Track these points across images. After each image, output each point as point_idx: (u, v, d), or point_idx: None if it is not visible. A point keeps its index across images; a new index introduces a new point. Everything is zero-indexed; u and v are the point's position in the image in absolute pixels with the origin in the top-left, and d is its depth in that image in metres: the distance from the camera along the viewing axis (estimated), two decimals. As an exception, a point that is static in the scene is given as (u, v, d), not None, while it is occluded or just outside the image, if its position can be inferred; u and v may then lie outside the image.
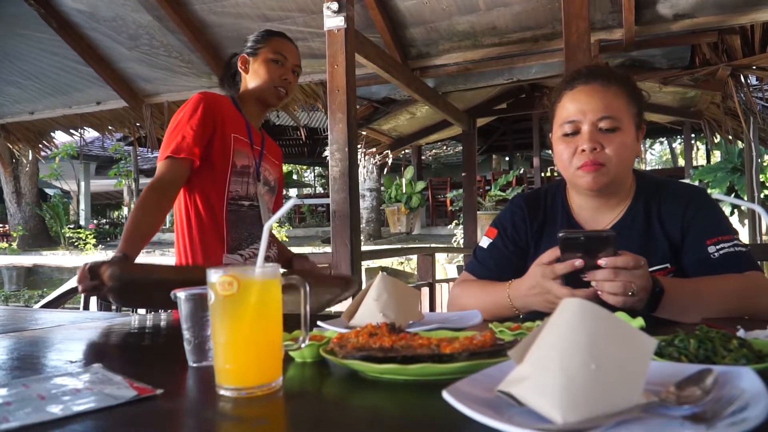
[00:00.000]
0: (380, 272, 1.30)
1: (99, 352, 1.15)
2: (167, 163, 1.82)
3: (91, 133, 6.11)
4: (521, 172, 14.39)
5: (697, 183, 9.75)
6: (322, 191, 20.88)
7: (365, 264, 5.05)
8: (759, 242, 6.27)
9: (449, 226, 13.03)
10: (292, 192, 22.96)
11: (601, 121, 1.36)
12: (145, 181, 21.90)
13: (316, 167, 24.90)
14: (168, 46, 4.34)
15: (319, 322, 1.24)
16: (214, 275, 0.80)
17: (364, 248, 3.56)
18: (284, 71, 2.01)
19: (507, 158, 19.88)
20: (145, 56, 4.50)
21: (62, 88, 5.05)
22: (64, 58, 4.61)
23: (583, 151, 1.36)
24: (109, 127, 5.59)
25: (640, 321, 1.05)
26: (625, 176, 1.43)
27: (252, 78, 2.03)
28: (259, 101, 2.05)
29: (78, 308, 3.14)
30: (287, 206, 0.86)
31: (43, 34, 4.35)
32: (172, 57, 4.46)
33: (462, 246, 8.05)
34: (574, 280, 1.17)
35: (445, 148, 18.71)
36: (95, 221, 20.04)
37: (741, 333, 0.95)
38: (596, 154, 1.36)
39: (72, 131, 5.84)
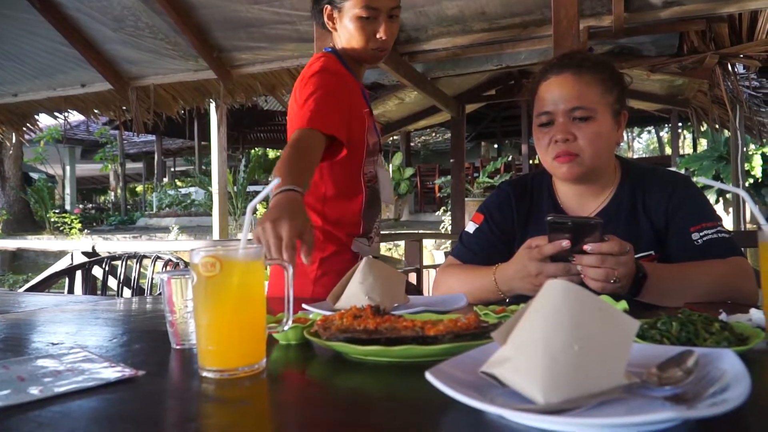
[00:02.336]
0: (366, 256, 1.29)
1: (81, 335, 1.14)
2: (298, 133, 1.51)
3: (76, 117, 6.03)
4: (509, 159, 14.43)
5: (683, 171, 9.82)
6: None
7: (353, 250, 5.05)
8: (743, 230, 6.33)
9: (437, 213, 13.05)
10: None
11: (574, 111, 1.37)
12: (132, 165, 21.77)
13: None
14: (153, 27, 4.28)
15: (304, 305, 1.24)
16: (196, 256, 0.79)
17: (351, 233, 3.55)
18: (377, 27, 1.69)
19: (495, 145, 19.91)
20: (130, 38, 4.43)
21: (46, 70, 4.96)
22: (47, 39, 4.53)
23: (557, 141, 1.38)
24: (95, 111, 5.51)
25: (623, 304, 1.06)
26: (603, 164, 1.44)
27: (342, 36, 1.73)
28: (358, 61, 1.79)
29: (63, 292, 3.12)
30: (269, 187, 0.85)
31: (26, 15, 4.27)
32: (158, 39, 4.40)
33: (450, 232, 8.07)
34: None
35: (433, 134, 18.69)
36: (81, 206, 19.88)
37: (723, 316, 0.96)
38: (569, 145, 1.37)
39: (56, 114, 5.75)
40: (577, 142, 1.37)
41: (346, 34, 1.72)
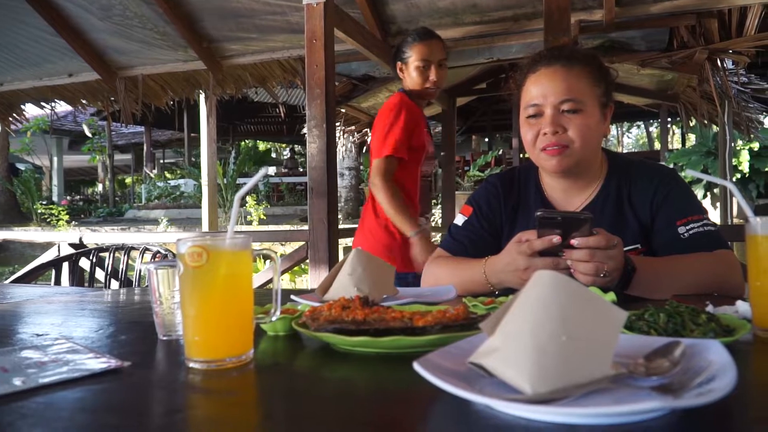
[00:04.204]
0: (356, 248, 1.29)
1: (67, 326, 1.13)
2: (389, 160, 2.39)
3: (63, 107, 5.95)
4: (500, 152, 14.44)
5: (671, 166, 9.87)
6: (301, 170, 20.77)
7: (343, 242, 5.04)
8: (730, 224, 6.37)
9: (427, 206, 13.03)
10: (271, 171, 22.81)
11: (563, 103, 1.37)
12: (120, 157, 21.59)
13: (295, 145, 24.72)
14: (142, 17, 4.24)
15: (292, 296, 1.24)
16: (183, 246, 0.79)
17: (341, 226, 3.54)
18: (429, 73, 2.51)
19: (486, 139, 19.91)
20: (118, 27, 4.38)
21: (32, 59, 4.90)
22: (34, 27, 4.48)
23: (546, 134, 1.38)
24: (82, 101, 5.44)
25: (612, 295, 1.06)
26: (591, 157, 1.44)
27: (407, 81, 2.56)
28: (419, 96, 2.57)
29: (49, 284, 3.10)
30: (257, 176, 0.84)
31: (13, 2, 4.21)
32: (147, 29, 4.35)
33: (440, 225, 8.07)
34: None
35: (424, 128, 18.64)
36: (68, 197, 19.72)
37: (710, 308, 0.96)
38: (559, 137, 1.37)
39: (43, 104, 5.68)
40: (566, 134, 1.37)
41: (410, 79, 2.54)
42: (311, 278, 3.23)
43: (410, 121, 2.43)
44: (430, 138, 2.64)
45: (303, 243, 3.54)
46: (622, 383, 0.61)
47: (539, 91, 1.39)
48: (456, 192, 7.22)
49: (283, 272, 3.92)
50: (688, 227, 1.37)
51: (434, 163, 2.72)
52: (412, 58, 2.52)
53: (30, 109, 6.13)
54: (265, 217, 12.58)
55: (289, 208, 15.59)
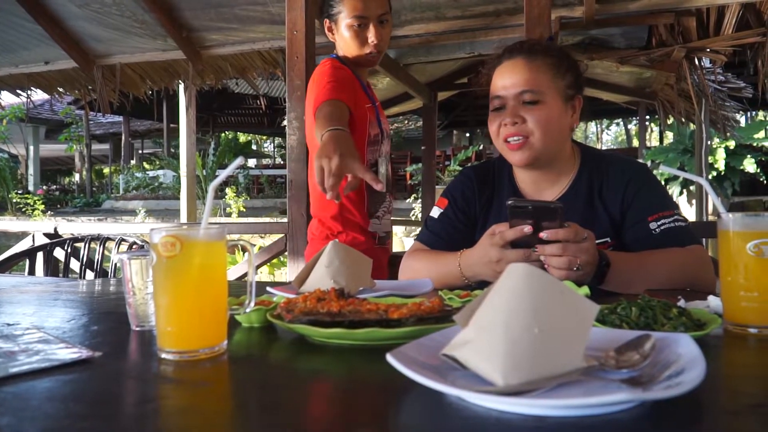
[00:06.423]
0: (333, 240, 1.28)
1: (39, 315, 1.11)
2: (329, 103, 1.73)
3: (40, 96, 5.85)
4: (481, 147, 14.50)
5: (649, 163, 9.98)
6: (282, 162, 20.66)
7: (322, 235, 5.03)
8: (705, 221, 6.47)
9: (408, 200, 13.08)
10: (251, 163, 22.67)
11: (523, 94, 1.40)
12: (98, 146, 21.29)
13: (276, 138, 24.58)
14: (121, 4, 4.17)
15: (268, 288, 1.23)
16: (156, 236, 0.78)
17: (320, 219, 3.53)
18: (368, 33, 1.90)
19: (468, 134, 19.98)
20: (96, 15, 4.30)
21: (8, 46, 4.80)
22: (10, 14, 4.38)
23: (506, 125, 1.40)
24: (59, 89, 5.35)
25: (585, 289, 1.07)
26: (555, 149, 1.45)
27: (340, 44, 1.97)
28: (357, 64, 1.98)
29: (23, 274, 3.05)
30: (232, 166, 0.83)
31: (-13, -13, 4.13)
32: (125, 17, 4.28)
33: (420, 219, 8.08)
34: None
35: (406, 122, 18.67)
36: (44, 187, 19.41)
37: (681, 303, 0.97)
38: (518, 127, 1.39)
39: (19, 92, 5.58)
40: (525, 124, 1.39)
41: (342, 42, 1.95)
42: (290, 270, 3.22)
43: (345, 80, 1.88)
44: (375, 119, 2.02)
45: (282, 235, 3.53)
46: (593, 375, 0.62)
47: (502, 83, 1.43)
48: (436, 186, 7.24)
49: (261, 264, 3.90)
50: (659, 222, 1.38)
51: (382, 151, 2.06)
52: (343, 14, 1.91)
53: (6, 97, 6.03)
54: (245, 209, 12.51)
55: (269, 201, 15.51)
